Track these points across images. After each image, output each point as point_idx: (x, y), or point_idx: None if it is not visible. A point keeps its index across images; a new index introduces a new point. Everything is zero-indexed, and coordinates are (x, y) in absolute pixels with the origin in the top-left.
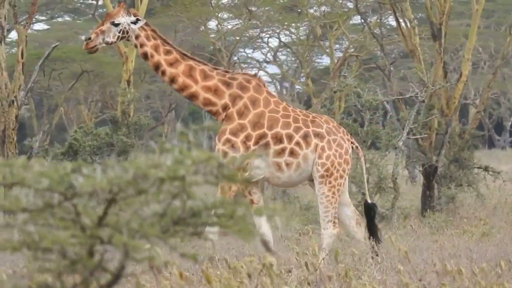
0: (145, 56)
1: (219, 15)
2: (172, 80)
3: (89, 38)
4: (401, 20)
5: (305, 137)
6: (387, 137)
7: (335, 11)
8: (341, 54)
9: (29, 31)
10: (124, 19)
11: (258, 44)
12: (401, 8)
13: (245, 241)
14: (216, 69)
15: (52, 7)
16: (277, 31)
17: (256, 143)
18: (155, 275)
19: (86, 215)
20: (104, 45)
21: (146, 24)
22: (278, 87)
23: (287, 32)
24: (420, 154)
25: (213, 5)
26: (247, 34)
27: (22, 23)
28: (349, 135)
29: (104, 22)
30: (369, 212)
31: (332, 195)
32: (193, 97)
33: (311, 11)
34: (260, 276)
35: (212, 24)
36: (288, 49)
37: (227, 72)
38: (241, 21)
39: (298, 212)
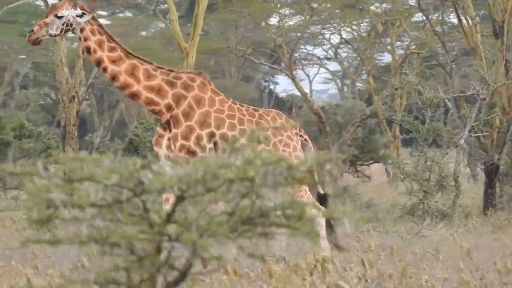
0: (88, 50)
1: (281, 11)
2: (114, 77)
3: (32, 31)
4: (462, 18)
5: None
6: (449, 134)
7: (397, 8)
8: (402, 51)
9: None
10: (68, 12)
11: (319, 40)
12: (462, 6)
13: (313, 243)
14: (160, 68)
15: (114, 2)
16: (338, 27)
17: (209, 141)
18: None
19: (155, 212)
20: (47, 36)
21: (93, 18)
22: (339, 84)
23: (348, 29)
24: (481, 152)
25: (274, 1)
26: (308, 31)
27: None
28: (297, 128)
29: (48, 14)
30: (322, 203)
31: (297, 188)
32: (134, 96)
33: (373, 8)
34: (318, 273)
35: (274, 20)
36: (349, 46)
37: (172, 71)
38: (302, 17)
39: (358, 209)
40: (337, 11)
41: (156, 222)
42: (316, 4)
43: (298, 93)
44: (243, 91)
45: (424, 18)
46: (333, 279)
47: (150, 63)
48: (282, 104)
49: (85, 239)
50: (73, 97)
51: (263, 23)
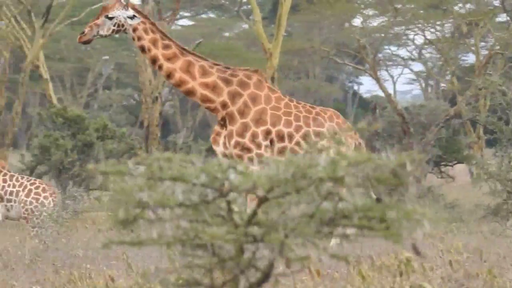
0: (142, 49)
1: (364, 12)
2: (169, 75)
3: (83, 32)
4: None
5: (305, 137)
6: None
7: (481, 8)
8: (486, 52)
9: (173, 27)
10: (119, 13)
11: (403, 41)
12: None
13: (395, 244)
14: (216, 65)
15: (197, 3)
16: (422, 28)
17: (265, 138)
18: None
19: (238, 212)
20: (98, 36)
21: (145, 17)
22: (423, 85)
23: (432, 30)
24: None
25: (358, 2)
26: (392, 31)
27: (167, 19)
28: (353, 131)
29: (99, 15)
30: None
31: None
32: (190, 93)
33: (456, 8)
34: (402, 273)
35: (357, 21)
36: (433, 47)
37: (228, 68)
38: (386, 18)
39: (442, 210)
40: (421, 11)
41: (239, 223)
42: (400, 5)
43: (382, 94)
44: (327, 92)
45: (508, 18)
46: (417, 279)
47: (206, 60)
48: (366, 105)
49: (171, 240)
50: (156, 98)
51: (346, 24)
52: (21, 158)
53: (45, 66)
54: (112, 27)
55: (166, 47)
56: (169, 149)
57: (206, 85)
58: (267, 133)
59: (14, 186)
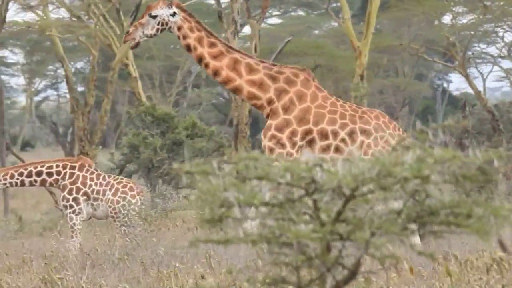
0: (188, 48)
1: (454, 9)
2: (216, 73)
3: (128, 32)
4: None
5: (351, 133)
6: None
7: None
8: None
9: (262, 25)
10: (162, 11)
11: (493, 38)
12: None
13: (483, 241)
14: (263, 62)
15: (286, 1)
16: None
17: (303, 138)
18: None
19: (325, 211)
20: (144, 38)
21: (190, 15)
22: None
23: None
24: None
25: None
26: (482, 29)
27: (256, 17)
28: (401, 130)
29: (144, 15)
30: None
31: None
32: (237, 90)
33: None
34: (491, 271)
35: (447, 18)
36: None
37: (275, 65)
38: (475, 15)
39: None
40: (511, 9)
41: (326, 221)
42: (490, 2)
43: (471, 91)
44: (416, 90)
45: None
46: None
47: (252, 57)
48: (456, 102)
49: (257, 238)
50: None
51: (436, 21)
52: (110, 157)
53: (134, 64)
54: (156, 26)
55: (211, 45)
56: (258, 147)
57: (252, 83)
58: (307, 133)
59: (101, 185)
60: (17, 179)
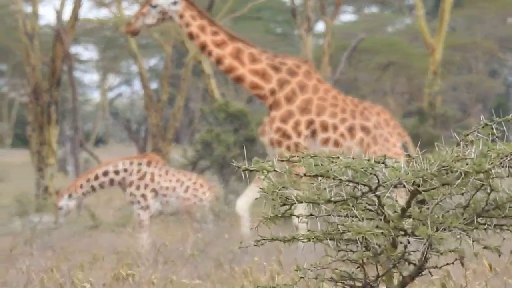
0: (191, 36)
1: None
2: (219, 61)
3: (130, 23)
4: None
5: (350, 129)
6: None
7: None
8: None
9: (336, 22)
10: (162, 1)
11: None
12: None
13: None
14: (265, 52)
15: None
16: None
17: (307, 128)
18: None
19: (390, 207)
20: (146, 27)
21: (192, 4)
22: None
23: None
24: None
25: None
26: None
27: (329, 14)
28: (401, 128)
29: (145, 5)
30: None
31: None
32: (239, 79)
33: None
34: None
35: None
36: None
37: (277, 56)
38: None
39: None
40: None
41: (391, 217)
42: None
43: None
44: (489, 87)
45: None
46: None
47: (255, 47)
48: None
49: (321, 236)
50: None
51: (509, 19)
52: (183, 153)
53: (207, 61)
54: (158, 15)
55: (214, 33)
56: None
57: (255, 72)
58: (310, 122)
59: (170, 181)
60: (87, 186)
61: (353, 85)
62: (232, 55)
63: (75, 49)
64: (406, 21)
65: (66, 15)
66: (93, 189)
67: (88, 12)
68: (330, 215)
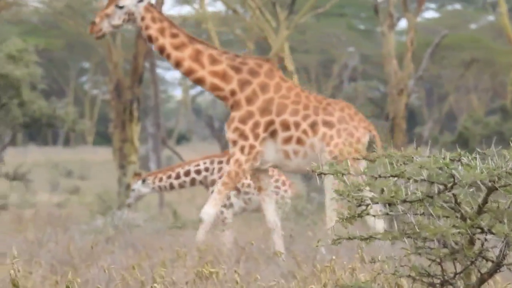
0: (150, 39)
1: None
2: (178, 64)
3: (93, 22)
4: None
5: (313, 125)
6: None
7: None
8: None
9: (418, 19)
10: (129, 1)
11: None
12: None
13: None
14: (226, 53)
15: None
16: None
17: (266, 130)
18: None
19: (466, 204)
20: (111, 29)
21: (152, 6)
22: None
23: None
24: None
25: None
26: None
27: (412, 11)
28: (366, 122)
29: (109, 5)
30: None
31: None
32: (200, 81)
33: None
34: None
35: None
36: None
37: (238, 56)
38: None
39: None
40: None
41: (468, 214)
42: None
43: None
44: None
45: None
46: None
47: (215, 48)
48: None
49: (397, 235)
50: (402, 90)
51: None
52: None
53: (290, 58)
54: (123, 16)
55: (174, 35)
56: (414, 141)
57: (215, 74)
58: (270, 123)
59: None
60: (166, 182)
61: (436, 82)
62: (191, 57)
63: None
64: (489, 18)
65: None
66: (172, 187)
67: (171, 8)
68: (406, 214)
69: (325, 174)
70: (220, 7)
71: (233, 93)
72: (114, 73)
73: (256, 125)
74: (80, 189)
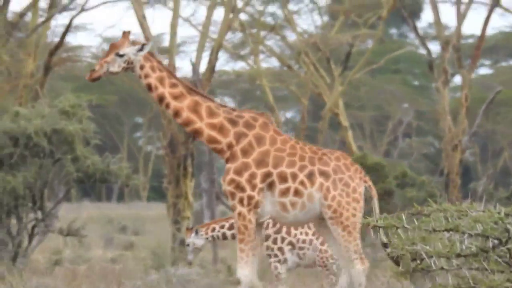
0: (149, 87)
1: None
2: (176, 114)
3: (93, 69)
4: None
5: (310, 175)
6: None
7: None
8: None
9: (473, 75)
10: (129, 50)
11: None
12: None
13: None
14: (223, 106)
15: (496, 51)
16: None
17: (263, 181)
18: None
19: None
20: (109, 74)
21: (152, 55)
22: None
23: None
24: None
25: None
26: None
27: (466, 67)
28: (362, 173)
29: (109, 53)
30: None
31: (348, 234)
32: (197, 133)
33: None
34: None
35: None
36: None
37: (234, 110)
38: None
39: None
40: None
41: None
42: None
43: None
44: None
45: None
46: None
47: (212, 101)
48: None
49: None
50: (456, 145)
51: None
52: None
53: (344, 114)
54: (123, 64)
55: (173, 85)
56: (469, 196)
57: (213, 126)
58: (267, 175)
59: (307, 234)
60: (219, 231)
61: (491, 138)
62: (190, 108)
63: None
64: None
65: (203, 67)
66: (224, 237)
67: (225, 64)
68: (461, 268)
69: (380, 227)
70: (274, 63)
71: (230, 146)
72: (168, 128)
73: (252, 176)
74: (134, 244)
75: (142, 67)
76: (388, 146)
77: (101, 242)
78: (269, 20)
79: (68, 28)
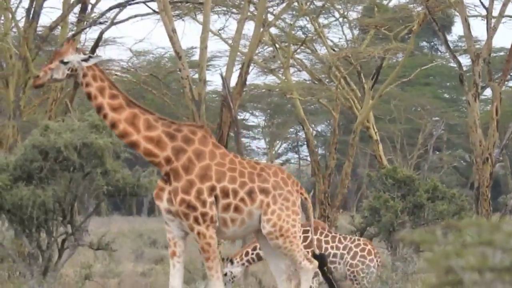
0: (89, 96)
1: None
2: (113, 125)
3: (37, 76)
4: None
5: (250, 193)
6: None
7: None
8: None
9: (503, 88)
10: (73, 57)
11: None
12: None
13: None
14: (162, 119)
15: None
16: None
17: (210, 195)
18: None
19: None
20: (53, 81)
21: (95, 65)
22: None
23: None
24: None
25: None
26: None
27: (497, 80)
28: (299, 185)
29: (53, 60)
30: (320, 264)
31: (290, 244)
32: (134, 145)
33: None
34: None
35: None
36: None
37: (173, 123)
38: None
39: None
40: None
41: None
42: None
43: None
44: None
45: None
46: None
47: (152, 114)
48: None
49: None
50: (487, 158)
51: None
52: (351, 220)
53: (375, 127)
54: (67, 72)
55: (113, 96)
56: (499, 210)
57: (150, 139)
58: (212, 189)
59: (337, 248)
60: (252, 254)
61: None
62: (127, 121)
63: (242, 115)
64: None
65: (233, 81)
66: (259, 257)
67: (256, 78)
68: (493, 282)
69: (414, 242)
70: (305, 76)
71: (168, 160)
72: None
73: (199, 192)
74: (165, 258)
75: (84, 75)
76: (419, 159)
77: (132, 256)
78: (299, 34)
79: (98, 42)
